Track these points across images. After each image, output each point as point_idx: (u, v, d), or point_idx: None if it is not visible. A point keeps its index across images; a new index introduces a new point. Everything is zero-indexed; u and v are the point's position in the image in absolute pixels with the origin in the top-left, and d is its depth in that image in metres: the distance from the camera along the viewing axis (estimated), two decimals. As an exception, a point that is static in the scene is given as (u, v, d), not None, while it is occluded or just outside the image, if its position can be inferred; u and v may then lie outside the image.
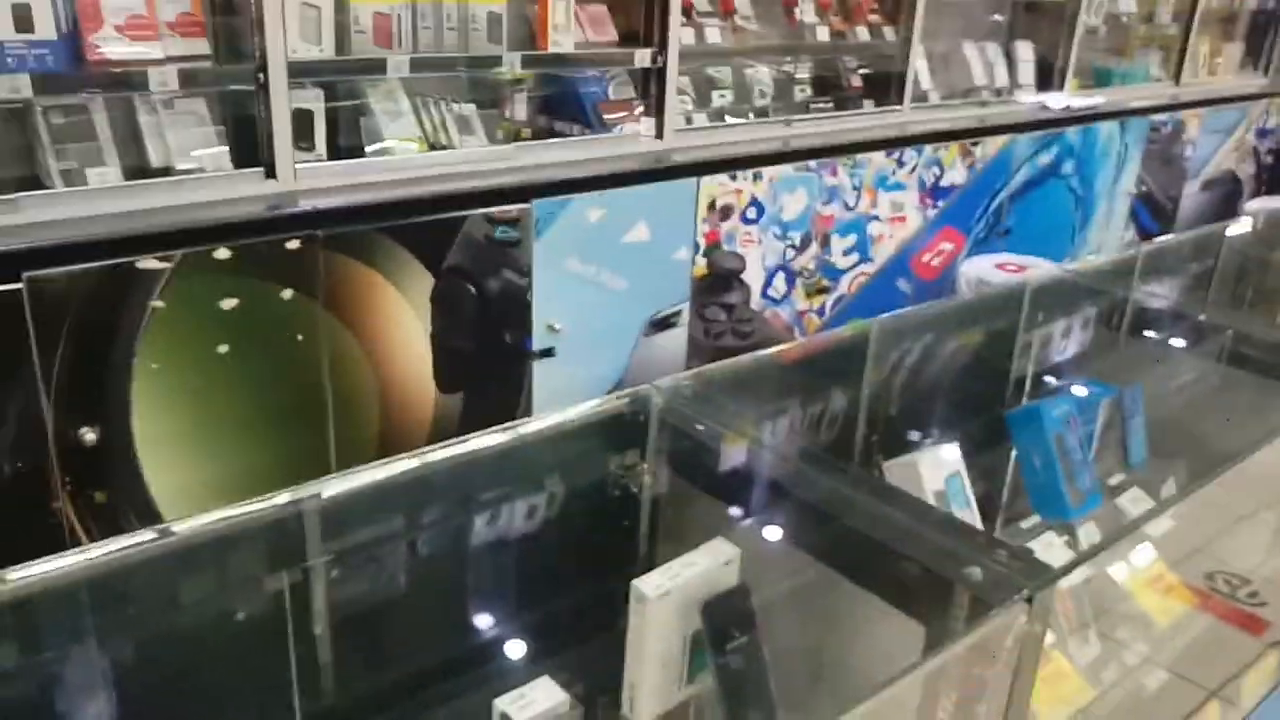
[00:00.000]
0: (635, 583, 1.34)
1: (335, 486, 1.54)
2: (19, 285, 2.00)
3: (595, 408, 1.82)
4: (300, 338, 2.40)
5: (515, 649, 1.55)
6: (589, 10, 3.02)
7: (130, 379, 2.19)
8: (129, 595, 1.41)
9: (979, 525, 1.76)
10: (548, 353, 2.93)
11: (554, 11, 2.81)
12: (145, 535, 1.33)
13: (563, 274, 2.87)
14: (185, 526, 1.37)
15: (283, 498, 1.46)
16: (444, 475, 1.67)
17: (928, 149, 3.79)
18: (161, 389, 2.23)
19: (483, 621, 1.65)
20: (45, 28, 2.07)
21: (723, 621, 1.29)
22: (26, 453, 2.09)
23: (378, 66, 2.57)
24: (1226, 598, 2.29)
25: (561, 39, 2.85)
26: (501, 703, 1.19)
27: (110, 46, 2.17)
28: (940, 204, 3.92)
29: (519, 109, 2.92)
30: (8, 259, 2.01)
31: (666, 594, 1.34)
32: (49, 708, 1.30)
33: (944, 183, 3.90)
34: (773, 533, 1.59)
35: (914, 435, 2.17)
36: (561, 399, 2.91)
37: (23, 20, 2.03)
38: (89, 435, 2.15)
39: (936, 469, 1.71)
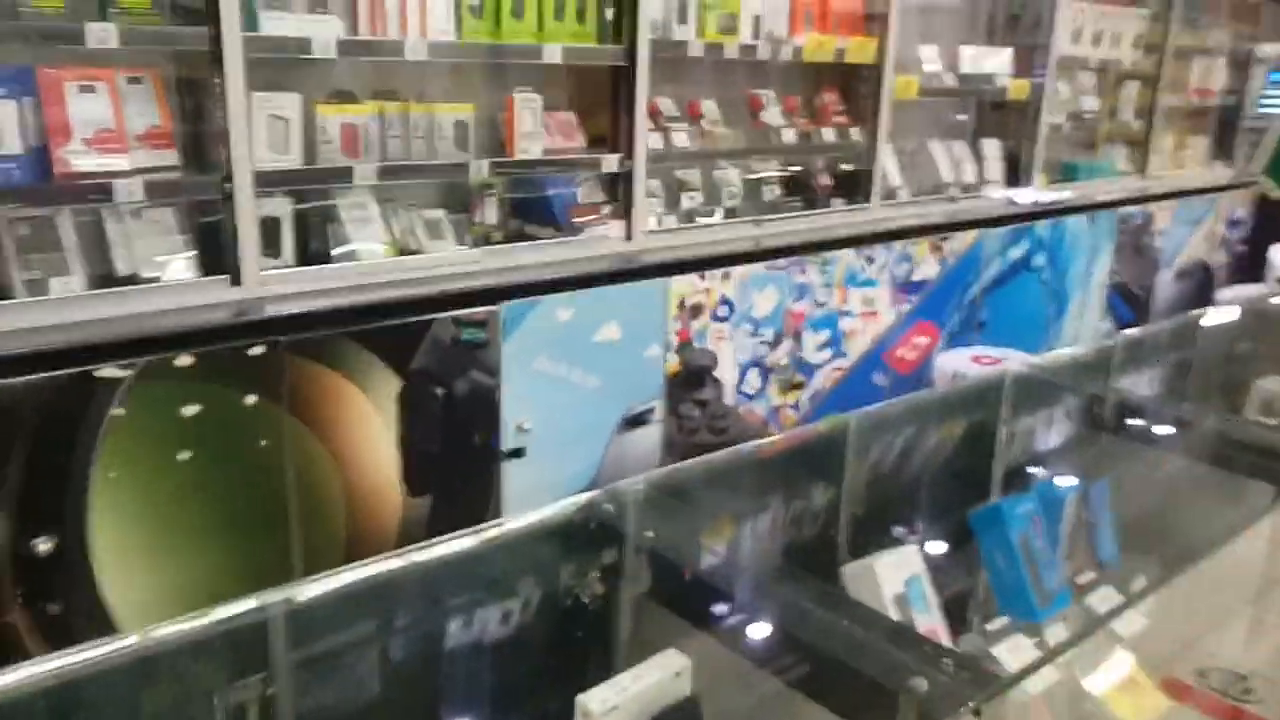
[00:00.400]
0: (580, 698, 1.30)
1: (297, 592, 1.52)
2: (-27, 396, 2.00)
3: (557, 512, 1.80)
4: (264, 443, 2.38)
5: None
6: (557, 117, 3.09)
7: (88, 487, 2.16)
8: (85, 709, 1.38)
9: (942, 630, 1.72)
10: (518, 453, 2.91)
11: (521, 120, 2.87)
12: (103, 646, 1.30)
13: (532, 374, 2.88)
14: (144, 637, 1.35)
15: (241, 606, 1.44)
16: (407, 581, 1.65)
17: (898, 245, 3.84)
18: (120, 497, 2.21)
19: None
20: (12, 142, 2.11)
21: (670, 736, 1.26)
22: (-25, 566, 2.06)
23: (345, 175, 2.61)
24: (1221, 695, 2.24)
25: (529, 145, 2.91)
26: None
27: (78, 160, 2.21)
28: (913, 299, 3.96)
29: (488, 213, 2.96)
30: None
31: (614, 709, 1.30)
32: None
33: (916, 277, 3.94)
34: (728, 643, 1.56)
35: (882, 535, 2.15)
36: (532, 499, 2.89)
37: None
38: (43, 546, 2.12)
39: (896, 571, 1.68)
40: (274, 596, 1.47)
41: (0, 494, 2.06)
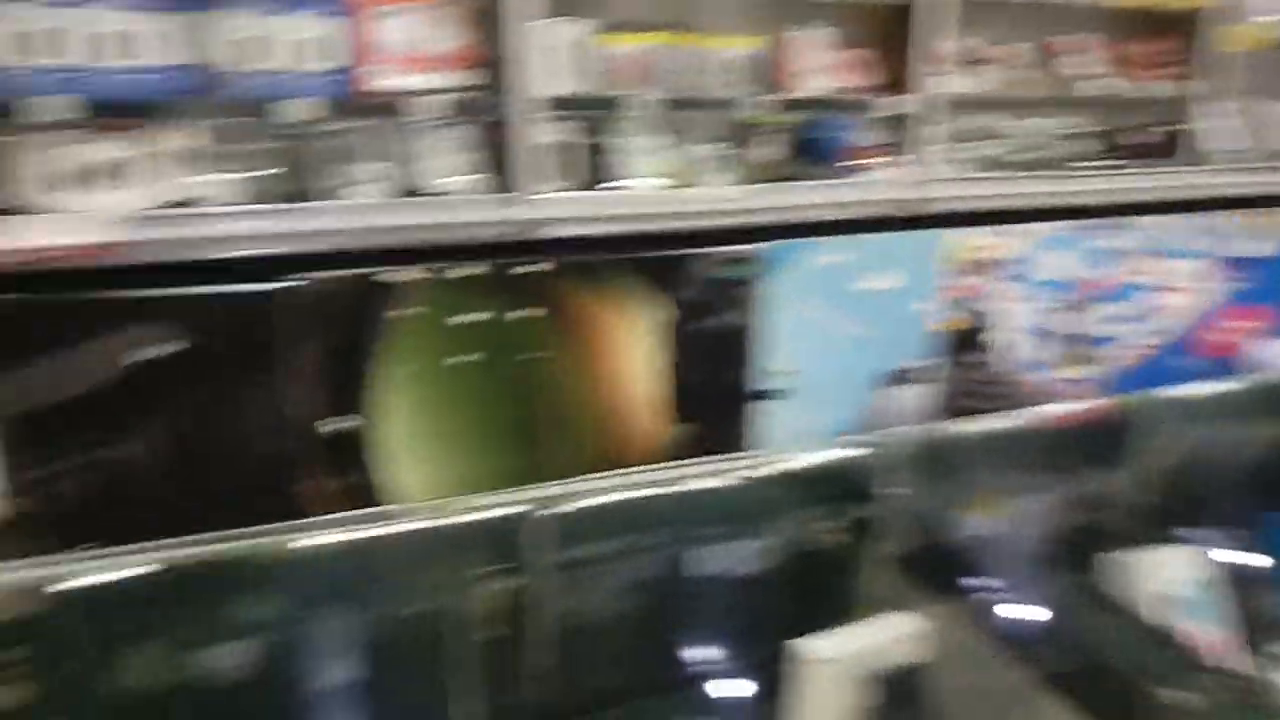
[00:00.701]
0: (796, 644, 1.26)
1: (555, 496, 1.59)
2: (284, 285, 2.20)
3: (813, 457, 1.76)
4: (529, 359, 2.48)
5: (680, 695, 1.50)
6: (845, 55, 2.96)
7: (374, 381, 2.34)
8: (359, 570, 1.51)
9: (1227, 642, 1.53)
10: (775, 394, 2.86)
11: (805, 56, 2.78)
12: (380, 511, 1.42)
13: (796, 317, 2.80)
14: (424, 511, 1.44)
15: (504, 499, 1.51)
16: (653, 504, 1.67)
17: (1224, 216, 3.41)
18: (400, 394, 2.37)
19: (654, 660, 1.62)
20: (324, 60, 2.29)
21: (889, 698, 1.19)
22: (280, 439, 2.28)
23: (625, 104, 2.64)
24: None
25: (813, 82, 2.81)
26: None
27: (383, 79, 2.36)
28: (1238, 277, 3.51)
29: (764, 149, 2.90)
30: (277, 261, 2.21)
31: (831, 660, 1.25)
32: (285, 672, 1.39)
33: (1243, 254, 3.49)
34: (969, 617, 1.46)
35: (1164, 530, 1.93)
36: (787, 442, 2.84)
37: (310, 52, 2.25)
38: (334, 430, 2.32)
39: (1166, 570, 1.50)
40: (533, 495, 1.52)
41: (303, 378, 2.27)
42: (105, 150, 2.21)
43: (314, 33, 2.27)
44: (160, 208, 2.28)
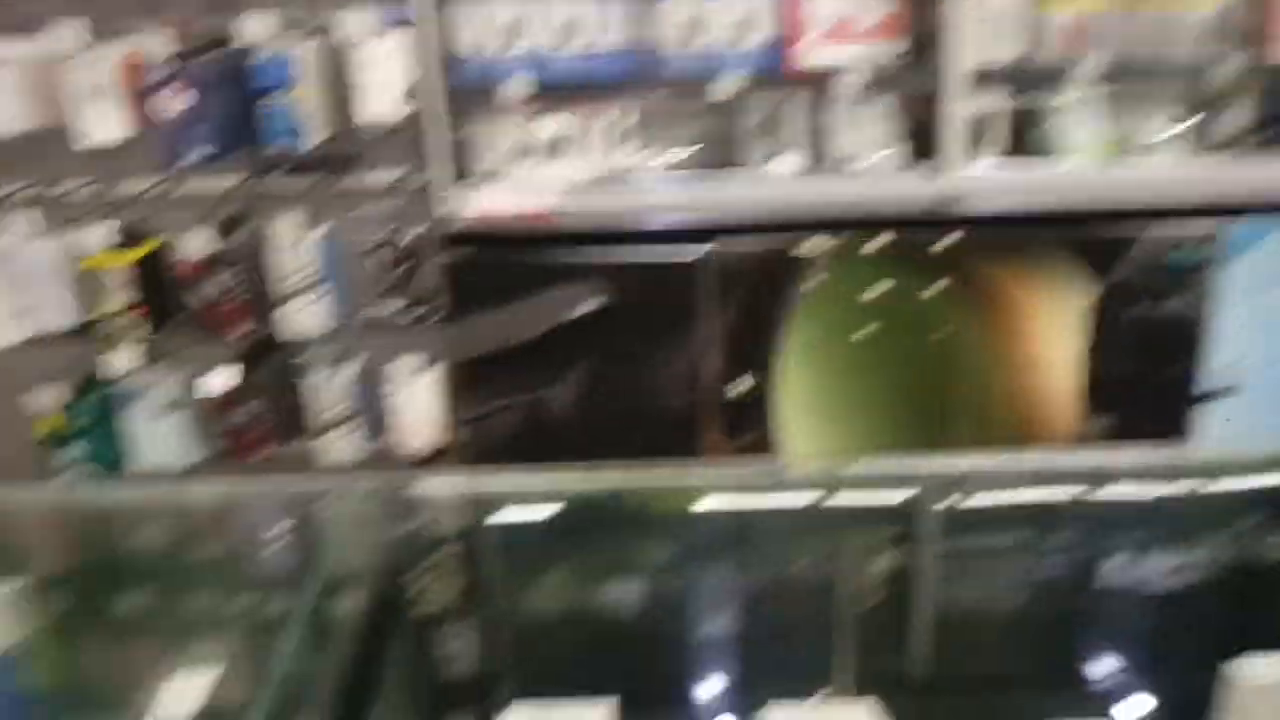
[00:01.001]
0: (1232, 665, 1.13)
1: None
2: (703, 252, 2.34)
3: (1265, 457, 1.57)
4: (940, 334, 2.43)
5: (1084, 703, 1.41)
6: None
7: (781, 347, 2.42)
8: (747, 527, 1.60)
9: None
10: (1221, 394, 2.56)
11: (1291, 8, 2.41)
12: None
13: (1255, 307, 2.48)
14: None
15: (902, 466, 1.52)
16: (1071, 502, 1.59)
17: None
18: (806, 361, 2.43)
19: (1055, 661, 1.53)
20: (761, 36, 2.36)
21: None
22: (688, 395, 2.44)
23: (1066, 72, 2.46)
24: None
25: (1299, 39, 2.44)
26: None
27: (813, 52, 2.39)
28: None
29: (1229, 119, 2.57)
30: (699, 229, 2.35)
31: (1268, 686, 1.11)
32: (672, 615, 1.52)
33: None
34: None
35: None
36: (1229, 441, 2.54)
37: (744, 29, 2.35)
38: (740, 391, 2.43)
39: None
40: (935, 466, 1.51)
41: (714, 341, 2.41)
42: (553, 126, 2.46)
43: (748, 10, 2.36)
44: (598, 178, 2.50)
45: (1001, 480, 1.70)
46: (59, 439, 2.58)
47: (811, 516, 1.68)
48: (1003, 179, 2.47)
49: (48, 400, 2.56)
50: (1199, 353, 2.53)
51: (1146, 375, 2.53)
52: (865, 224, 2.37)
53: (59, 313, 2.53)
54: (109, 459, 2.64)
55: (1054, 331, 2.47)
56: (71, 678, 1.39)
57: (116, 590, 1.52)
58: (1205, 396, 2.56)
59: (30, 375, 2.60)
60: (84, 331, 2.56)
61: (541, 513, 1.67)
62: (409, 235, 2.53)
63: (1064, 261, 2.43)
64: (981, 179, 2.46)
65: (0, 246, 2.51)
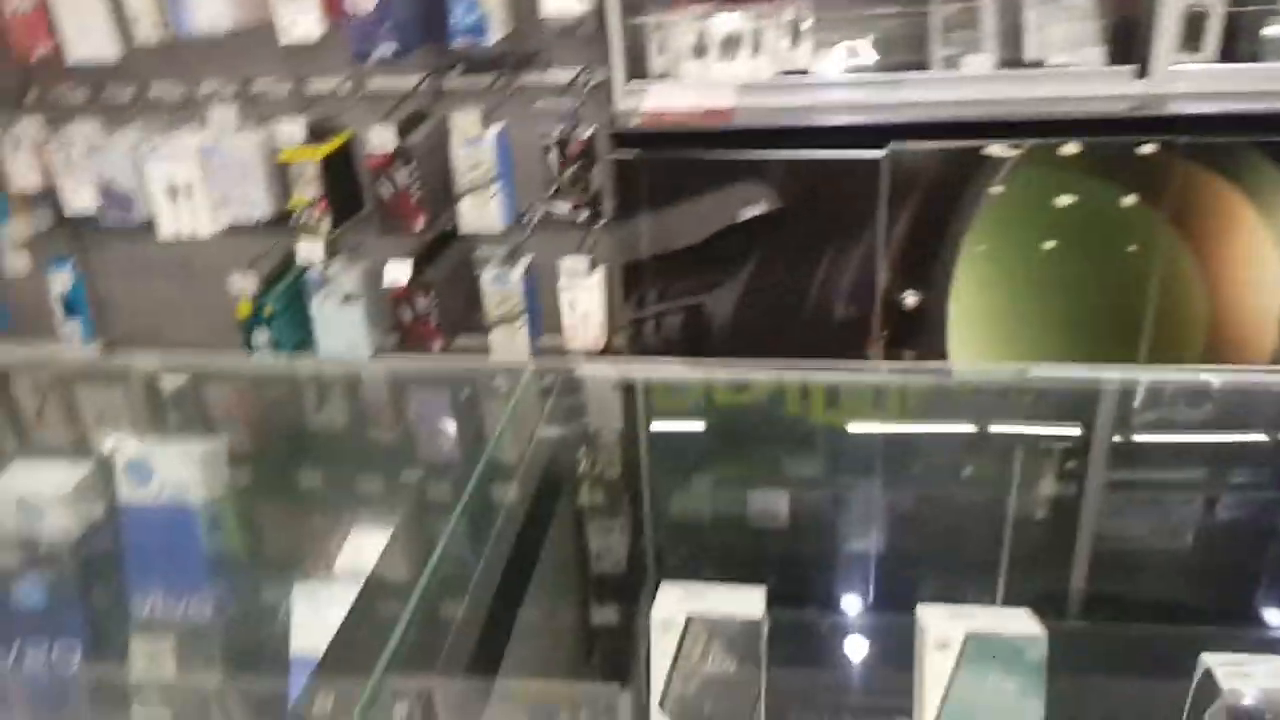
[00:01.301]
0: None
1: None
2: (882, 154, 2.25)
3: None
4: (1132, 247, 2.27)
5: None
6: None
7: (957, 255, 2.32)
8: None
9: None
10: None
11: None
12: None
13: None
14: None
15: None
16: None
17: None
18: (983, 272, 2.33)
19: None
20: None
21: None
22: (856, 302, 2.38)
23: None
24: None
25: None
26: (1212, 660, 1.04)
27: (1013, -63, 2.24)
28: None
29: None
30: (878, 130, 2.26)
31: None
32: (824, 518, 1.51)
33: None
34: None
35: None
36: None
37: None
38: (910, 299, 2.36)
39: None
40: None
41: (885, 246, 2.33)
42: (732, 23, 2.40)
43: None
44: (776, 76, 2.43)
45: (1186, 397, 1.60)
46: (253, 323, 2.76)
47: (978, 425, 1.63)
48: (1213, 83, 2.27)
49: (245, 285, 2.73)
50: None
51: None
52: (1059, 127, 2.22)
53: (256, 204, 2.68)
54: (296, 343, 2.81)
55: (1257, 249, 2.28)
56: (256, 533, 1.50)
57: (300, 459, 1.63)
58: None
59: (230, 261, 2.77)
60: (278, 223, 2.71)
61: (703, 408, 1.68)
62: (584, 133, 2.54)
63: (1273, 174, 2.22)
64: (1190, 82, 2.27)
65: (205, 140, 2.66)
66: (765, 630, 0.95)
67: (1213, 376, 1.64)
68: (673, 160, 2.35)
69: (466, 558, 1.17)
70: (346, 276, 2.72)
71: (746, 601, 0.97)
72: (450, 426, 1.62)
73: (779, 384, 1.67)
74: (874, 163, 2.27)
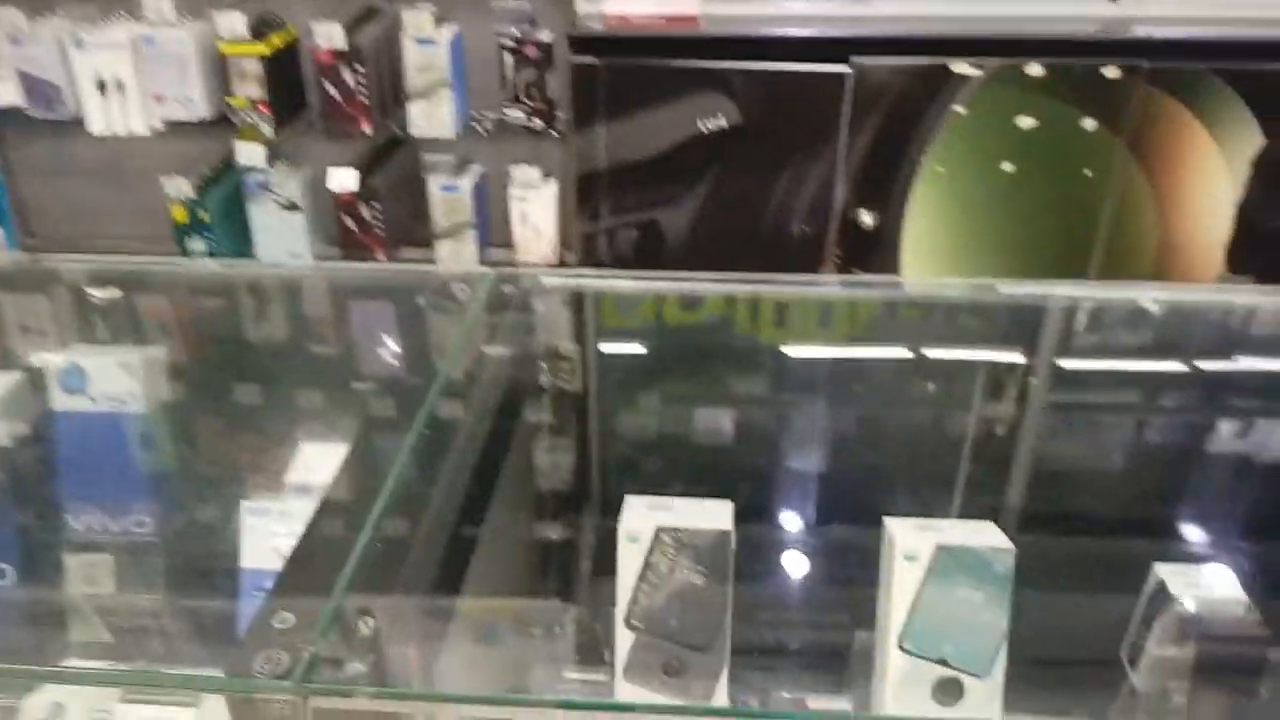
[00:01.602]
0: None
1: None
2: (846, 68, 2.20)
3: None
4: (1090, 172, 2.27)
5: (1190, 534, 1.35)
6: None
7: (916, 176, 2.30)
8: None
9: None
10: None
11: None
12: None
13: None
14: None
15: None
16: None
17: None
18: (941, 193, 2.31)
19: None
20: None
21: None
22: (813, 220, 2.36)
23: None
24: None
25: None
26: (1165, 570, 1.06)
27: None
28: None
29: None
30: (843, 43, 2.21)
31: None
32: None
33: None
34: None
35: None
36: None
37: None
38: (867, 219, 2.34)
39: None
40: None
41: (846, 163, 2.30)
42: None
43: None
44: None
45: (1135, 316, 1.61)
46: (189, 229, 2.65)
47: (931, 341, 1.62)
48: (1180, 8, 2.25)
49: (181, 188, 2.61)
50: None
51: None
52: (1026, 47, 2.19)
53: (193, 102, 2.55)
54: (234, 251, 2.71)
55: (1210, 176, 2.29)
56: (199, 446, 1.45)
57: (245, 369, 1.57)
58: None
59: (164, 163, 2.65)
60: (216, 123, 2.59)
61: (661, 322, 1.65)
62: (542, 36, 2.45)
63: (1234, 104, 2.22)
64: (1158, 6, 2.25)
65: (139, 31, 2.51)
66: (733, 542, 0.93)
67: (1163, 294, 1.64)
68: (633, 67, 2.28)
69: (425, 474, 1.13)
70: (289, 182, 2.62)
71: (714, 514, 0.95)
72: (405, 336, 1.57)
73: (735, 298, 1.64)
74: (838, 77, 2.22)
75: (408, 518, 1.00)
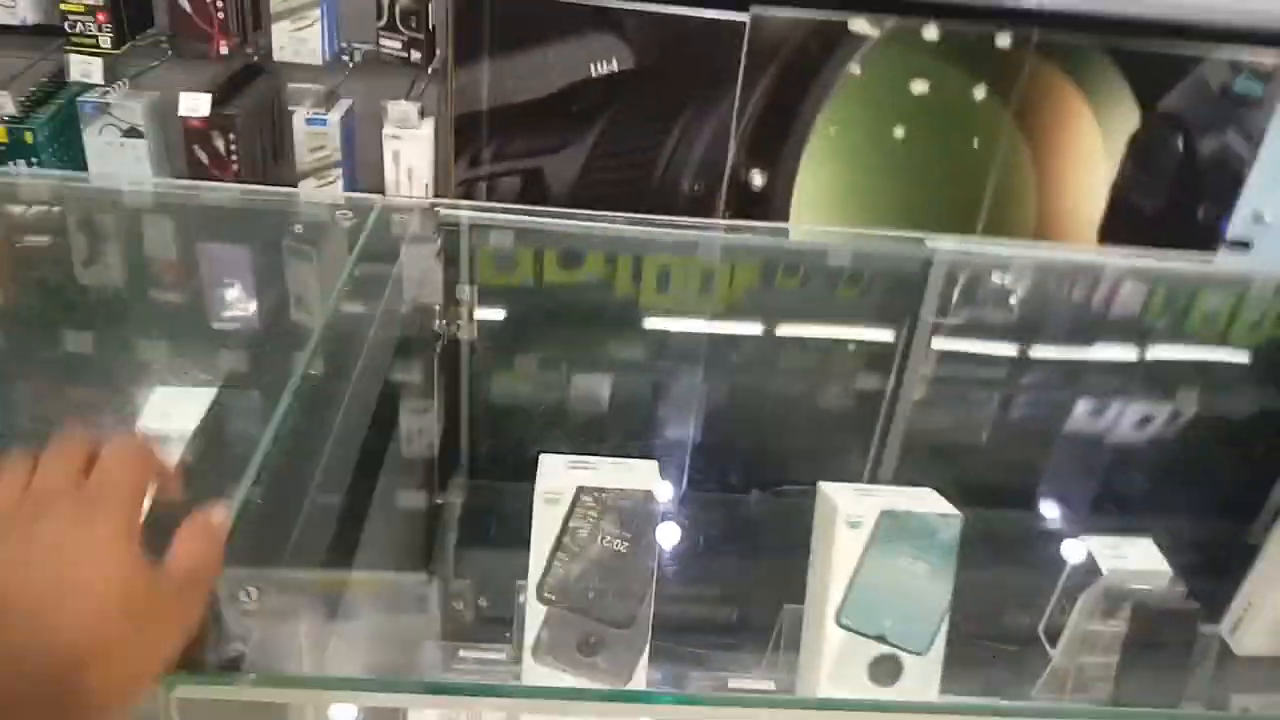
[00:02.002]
0: None
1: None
2: (745, 17, 2.13)
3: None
4: (976, 141, 2.27)
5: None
6: None
7: (809, 136, 2.25)
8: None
9: None
10: (1242, 245, 2.47)
11: None
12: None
13: (1302, 156, 2.35)
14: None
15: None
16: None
17: None
18: (832, 153, 2.27)
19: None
20: None
21: None
22: (703, 177, 2.28)
23: None
24: None
25: None
26: (1088, 543, 1.02)
27: None
28: None
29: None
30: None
31: None
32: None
33: None
34: None
35: None
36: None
37: None
38: (757, 179, 2.28)
39: None
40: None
41: (739, 118, 2.23)
42: None
43: None
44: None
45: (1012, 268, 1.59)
46: (11, 148, 2.36)
47: (815, 288, 1.56)
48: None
49: (3, 103, 2.32)
50: (1232, 199, 2.41)
51: (1174, 216, 2.41)
52: (921, 9, 2.16)
53: (17, 5, 2.26)
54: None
55: (1089, 151, 2.33)
56: (37, 391, 1.27)
57: (82, 302, 1.38)
58: (1227, 244, 2.46)
59: (-16, 75, 2.35)
60: (46, 32, 2.31)
61: (547, 276, 1.54)
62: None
63: (1117, 82, 2.26)
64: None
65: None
66: (660, 505, 0.84)
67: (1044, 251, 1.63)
68: (526, 3, 2.14)
69: (302, 426, 1.00)
70: (131, 105, 2.36)
71: (640, 473, 0.86)
72: (277, 270, 1.40)
73: (620, 252, 1.55)
74: (736, 25, 2.14)
75: (285, 476, 0.86)
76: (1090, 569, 0.99)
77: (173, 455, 0.96)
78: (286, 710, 0.67)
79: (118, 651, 0.57)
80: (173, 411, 1.04)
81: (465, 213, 1.22)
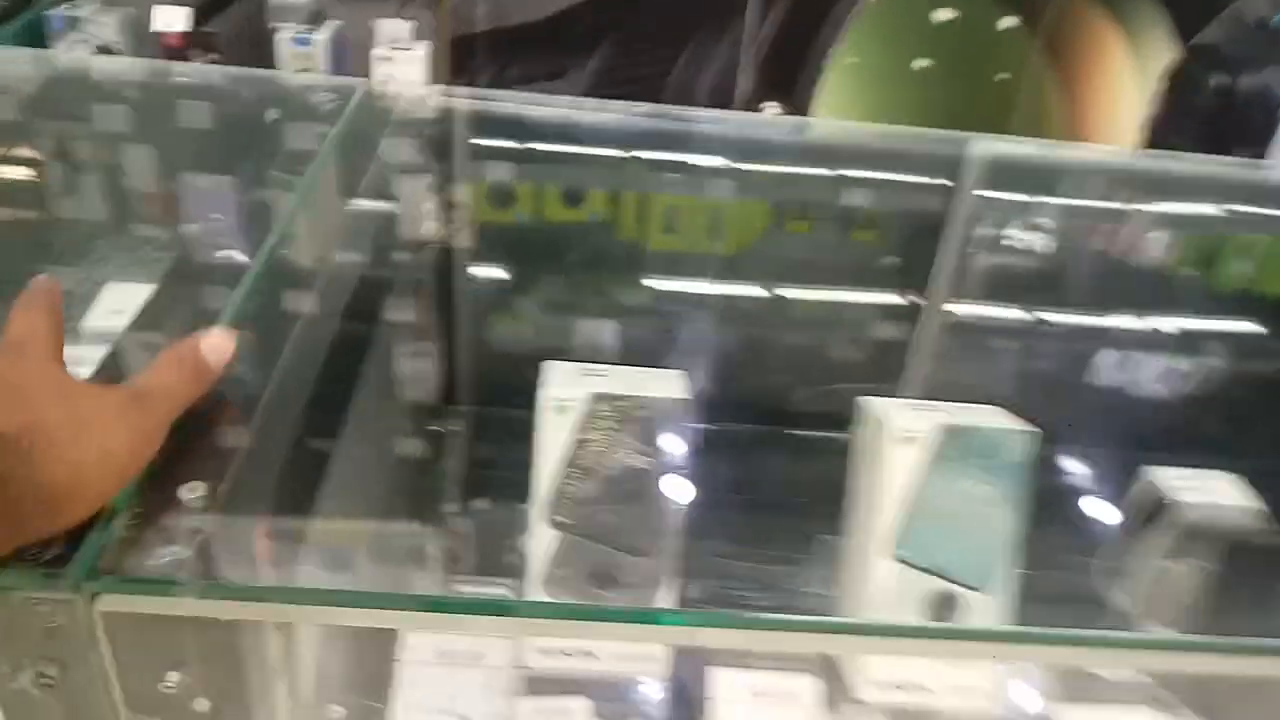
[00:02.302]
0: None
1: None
2: (761, -66, 1.99)
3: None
4: (1004, 74, 2.15)
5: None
6: None
7: (824, 66, 2.12)
8: None
9: None
10: None
11: None
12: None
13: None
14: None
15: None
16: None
17: None
18: (849, 86, 2.14)
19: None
20: None
21: None
22: (712, 109, 2.15)
23: None
24: None
25: None
26: (1156, 474, 0.92)
27: None
28: None
29: None
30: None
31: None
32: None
33: None
34: None
35: None
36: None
37: None
38: (770, 110, 2.15)
39: None
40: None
41: (752, 50, 2.10)
42: None
43: None
44: None
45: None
46: (-21, 68, 2.22)
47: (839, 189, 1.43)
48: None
49: (-34, 18, 2.17)
50: (1269, 135, 2.29)
51: (1209, 152, 2.29)
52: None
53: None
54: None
55: (1122, 86, 2.21)
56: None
57: (28, 181, 1.25)
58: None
59: (-55, -14, 2.19)
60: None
61: (546, 210, 1.42)
62: None
63: (1155, 11, 2.14)
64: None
65: None
66: (690, 418, 0.73)
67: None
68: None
69: (263, 325, 0.87)
70: (103, 20, 2.22)
71: (665, 381, 0.75)
72: (247, 153, 1.27)
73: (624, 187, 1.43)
74: (752, -55, 2.01)
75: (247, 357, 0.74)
76: (1166, 501, 0.89)
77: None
78: (240, 634, 0.56)
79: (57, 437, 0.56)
80: (125, 303, 0.92)
81: (462, 101, 1.10)
